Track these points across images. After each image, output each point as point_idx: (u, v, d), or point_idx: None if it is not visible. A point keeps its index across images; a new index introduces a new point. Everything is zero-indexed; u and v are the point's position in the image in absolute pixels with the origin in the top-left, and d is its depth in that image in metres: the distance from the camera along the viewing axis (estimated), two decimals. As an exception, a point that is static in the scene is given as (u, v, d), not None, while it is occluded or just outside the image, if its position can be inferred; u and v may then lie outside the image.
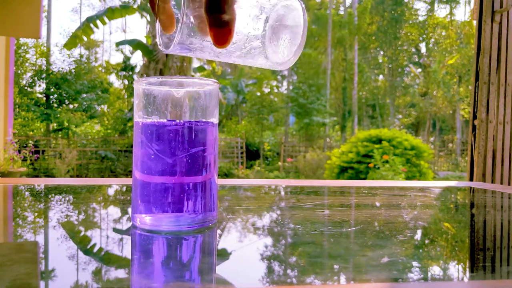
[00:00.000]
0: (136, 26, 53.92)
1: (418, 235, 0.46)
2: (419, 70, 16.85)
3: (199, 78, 0.43)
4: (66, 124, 10.77)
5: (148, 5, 0.32)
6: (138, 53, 11.66)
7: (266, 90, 16.13)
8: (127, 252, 0.37)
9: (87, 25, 9.33)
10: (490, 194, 0.82)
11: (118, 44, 10.36)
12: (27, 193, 0.73)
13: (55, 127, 11.07)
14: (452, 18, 16.76)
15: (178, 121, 0.41)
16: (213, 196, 0.44)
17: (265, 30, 0.35)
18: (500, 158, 2.94)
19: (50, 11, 18.57)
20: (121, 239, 0.41)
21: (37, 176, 7.71)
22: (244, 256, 0.37)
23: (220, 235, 0.43)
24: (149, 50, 10.11)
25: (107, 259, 0.34)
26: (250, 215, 0.55)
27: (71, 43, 9.52)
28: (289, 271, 0.32)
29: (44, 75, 11.08)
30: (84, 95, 11.28)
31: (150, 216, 0.41)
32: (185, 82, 0.42)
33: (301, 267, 0.32)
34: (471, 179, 2.99)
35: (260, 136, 12.80)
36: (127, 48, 15.48)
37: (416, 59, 17.20)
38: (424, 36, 16.37)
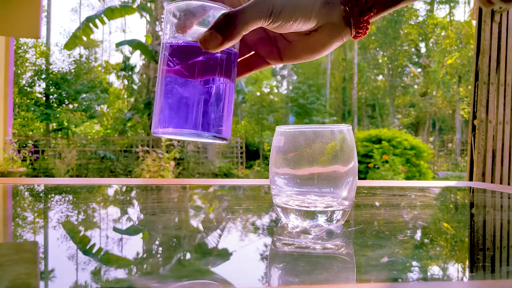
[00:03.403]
0: (136, 26, 53.92)
1: (418, 235, 0.46)
2: (419, 70, 16.85)
3: None
4: (65, 124, 10.77)
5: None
6: (138, 52, 11.65)
7: (266, 90, 16.13)
8: (127, 252, 0.37)
9: (87, 25, 9.32)
10: (490, 194, 0.82)
11: (118, 44, 10.36)
12: (26, 193, 0.73)
13: (55, 127, 11.07)
14: (452, 18, 16.76)
15: None
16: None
17: None
18: (500, 158, 2.94)
19: (49, 11, 18.56)
20: (121, 239, 0.41)
21: (36, 176, 7.71)
22: (244, 256, 0.37)
23: (220, 235, 0.43)
24: (148, 50, 10.11)
25: (106, 259, 0.34)
26: (249, 215, 0.55)
27: (71, 43, 9.52)
28: (289, 271, 0.32)
29: (44, 75, 11.08)
30: (84, 95, 11.28)
31: None
32: None
33: (301, 267, 0.32)
34: (470, 179, 3.00)
35: (260, 136, 12.81)
36: (126, 48, 15.48)
37: (416, 59, 17.20)
38: (424, 36, 16.37)
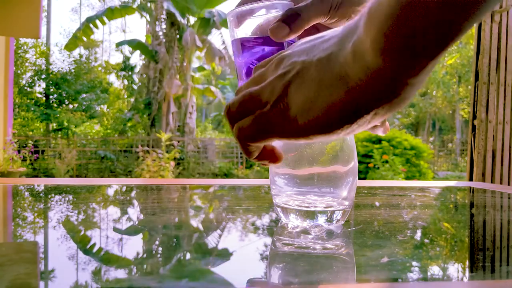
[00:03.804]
0: (136, 25, 53.92)
1: (418, 235, 0.46)
2: (419, 70, 16.83)
3: None
4: (65, 124, 10.77)
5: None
6: (138, 53, 11.65)
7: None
8: (127, 252, 0.37)
9: (87, 25, 9.33)
10: (490, 194, 0.82)
11: (118, 44, 10.36)
12: (26, 193, 0.73)
13: (55, 127, 11.07)
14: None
15: None
16: None
17: None
18: (499, 158, 2.94)
19: (49, 11, 18.57)
20: (121, 239, 0.41)
21: (36, 176, 7.71)
22: (244, 256, 0.37)
23: (220, 235, 0.43)
24: (148, 50, 10.11)
25: (107, 259, 0.34)
26: (250, 215, 0.55)
27: (71, 44, 9.52)
28: (288, 271, 0.32)
29: (44, 75, 11.08)
30: (84, 95, 11.29)
31: None
32: None
33: (301, 267, 0.32)
34: (470, 179, 3.00)
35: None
36: (126, 48, 15.49)
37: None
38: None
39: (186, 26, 10.23)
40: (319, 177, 0.42)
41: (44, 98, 11.03)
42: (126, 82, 14.18)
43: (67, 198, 0.66)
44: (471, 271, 0.34)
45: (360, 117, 0.24)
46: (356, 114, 0.24)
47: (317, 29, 0.41)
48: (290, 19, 0.36)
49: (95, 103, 11.58)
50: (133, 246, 0.40)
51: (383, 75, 0.23)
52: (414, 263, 0.35)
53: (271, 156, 0.32)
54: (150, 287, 0.27)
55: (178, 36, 10.18)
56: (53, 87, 10.88)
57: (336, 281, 0.30)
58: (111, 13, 9.47)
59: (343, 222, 0.45)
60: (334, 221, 0.43)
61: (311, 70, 0.26)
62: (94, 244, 0.39)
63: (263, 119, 0.27)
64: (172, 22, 10.19)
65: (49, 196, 0.69)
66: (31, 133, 10.76)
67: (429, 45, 0.21)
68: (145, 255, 0.36)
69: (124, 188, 0.82)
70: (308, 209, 0.43)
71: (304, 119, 0.26)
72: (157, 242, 0.41)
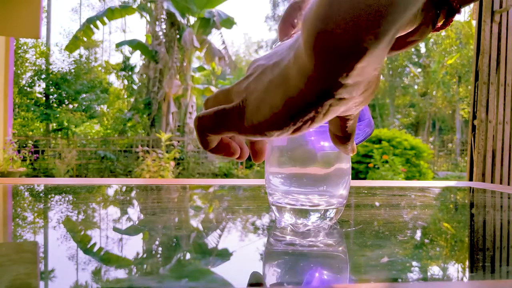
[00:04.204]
0: (136, 26, 53.92)
1: (418, 235, 0.46)
2: (419, 70, 16.86)
3: None
4: (65, 124, 10.77)
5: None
6: (138, 53, 11.65)
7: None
8: (127, 252, 0.37)
9: (87, 26, 9.33)
10: (490, 194, 0.82)
11: (118, 45, 10.36)
12: (26, 193, 0.73)
13: (55, 127, 11.07)
14: (452, 18, 16.72)
15: None
16: None
17: None
18: (499, 158, 2.94)
19: (50, 11, 18.57)
20: (121, 239, 0.41)
21: (36, 176, 7.71)
22: (244, 256, 0.37)
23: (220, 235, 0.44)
24: (148, 50, 10.11)
25: (107, 259, 0.34)
26: (249, 215, 0.55)
27: (72, 44, 9.52)
28: (288, 271, 0.32)
29: (43, 75, 11.08)
30: (84, 95, 11.29)
31: None
32: None
33: (300, 267, 0.32)
34: (470, 179, 3.00)
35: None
36: (126, 48, 15.49)
37: (416, 59, 17.20)
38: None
39: (186, 26, 10.24)
40: (314, 176, 0.42)
41: (44, 98, 11.03)
42: (126, 82, 14.18)
43: (67, 198, 0.66)
44: (471, 271, 0.34)
45: (301, 117, 0.25)
46: (297, 115, 0.25)
47: None
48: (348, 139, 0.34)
49: (95, 103, 11.58)
50: (133, 246, 0.40)
51: (315, 76, 0.23)
52: (414, 263, 0.35)
53: (226, 150, 0.34)
54: (150, 287, 0.27)
55: (178, 36, 10.18)
56: (53, 87, 10.89)
57: (336, 281, 0.30)
58: (111, 13, 9.48)
59: (335, 220, 0.45)
60: (328, 219, 0.44)
61: (266, 73, 0.27)
62: (94, 244, 0.39)
63: (222, 113, 0.29)
64: (172, 22, 10.19)
65: (49, 196, 0.69)
66: (31, 133, 10.76)
67: (353, 45, 0.21)
68: (145, 255, 0.36)
69: (124, 188, 0.82)
70: (302, 207, 0.43)
71: (254, 117, 0.27)
72: (157, 242, 0.41)
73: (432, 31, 0.41)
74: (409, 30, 0.39)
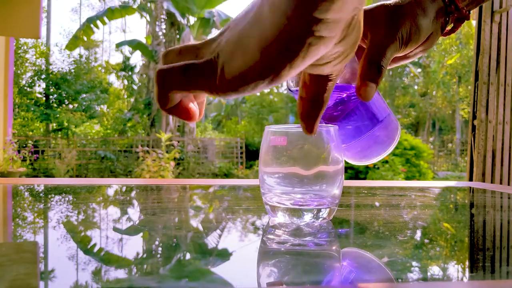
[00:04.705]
0: (136, 26, 53.91)
1: (418, 235, 0.46)
2: (419, 70, 16.85)
3: None
4: (65, 124, 10.77)
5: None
6: (138, 53, 11.65)
7: (266, 90, 16.13)
8: (127, 252, 0.37)
9: (88, 25, 9.33)
10: (490, 194, 0.82)
11: (118, 45, 10.36)
12: (26, 193, 0.73)
13: (55, 127, 11.07)
14: (452, 18, 16.71)
15: None
16: None
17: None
18: (499, 158, 2.94)
19: (49, 11, 18.58)
20: (121, 239, 0.41)
21: (36, 176, 7.71)
22: (244, 256, 0.37)
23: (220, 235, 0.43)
24: (148, 50, 10.11)
25: (107, 259, 0.34)
26: (249, 215, 0.55)
27: (72, 44, 9.52)
28: (288, 271, 0.32)
29: (43, 75, 11.08)
30: (84, 95, 11.28)
31: None
32: None
33: (300, 267, 0.32)
34: (470, 179, 3.00)
35: (260, 136, 12.80)
36: (126, 48, 15.49)
37: (416, 59, 17.19)
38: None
39: (186, 26, 10.24)
40: (307, 176, 0.43)
41: (44, 98, 11.03)
42: (126, 82, 14.19)
43: (67, 198, 0.66)
44: (471, 271, 0.34)
45: (279, 61, 0.23)
46: (275, 59, 0.23)
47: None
48: (374, 74, 0.38)
49: (95, 103, 11.58)
50: (133, 246, 0.40)
51: (291, 12, 0.22)
52: (414, 263, 0.35)
53: (186, 113, 0.30)
54: (150, 287, 0.27)
55: (178, 36, 10.18)
56: (53, 87, 10.88)
57: (335, 281, 0.30)
58: (111, 13, 9.47)
59: (329, 220, 0.45)
60: (320, 219, 0.44)
61: (238, 24, 0.26)
62: (94, 244, 0.39)
63: (193, 69, 0.27)
64: (172, 22, 10.19)
65: (49, 196, 0.69)
66: (31, 133, 10.76)
67: None
68: (145, 255, 0.36)
69: (124, 188, 0.82)
70: (296, 207, 0.43)
71: (228, 72, 0.25)
72: (157, 242, 0.41)
73: (441, 35, 0.43)
74: (424, 40, 0.41)
